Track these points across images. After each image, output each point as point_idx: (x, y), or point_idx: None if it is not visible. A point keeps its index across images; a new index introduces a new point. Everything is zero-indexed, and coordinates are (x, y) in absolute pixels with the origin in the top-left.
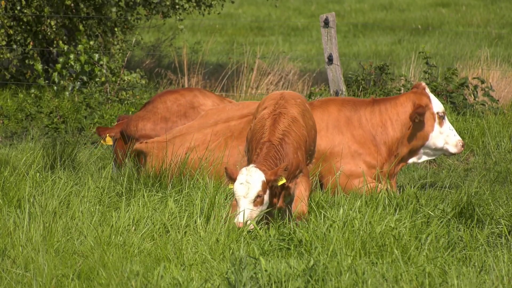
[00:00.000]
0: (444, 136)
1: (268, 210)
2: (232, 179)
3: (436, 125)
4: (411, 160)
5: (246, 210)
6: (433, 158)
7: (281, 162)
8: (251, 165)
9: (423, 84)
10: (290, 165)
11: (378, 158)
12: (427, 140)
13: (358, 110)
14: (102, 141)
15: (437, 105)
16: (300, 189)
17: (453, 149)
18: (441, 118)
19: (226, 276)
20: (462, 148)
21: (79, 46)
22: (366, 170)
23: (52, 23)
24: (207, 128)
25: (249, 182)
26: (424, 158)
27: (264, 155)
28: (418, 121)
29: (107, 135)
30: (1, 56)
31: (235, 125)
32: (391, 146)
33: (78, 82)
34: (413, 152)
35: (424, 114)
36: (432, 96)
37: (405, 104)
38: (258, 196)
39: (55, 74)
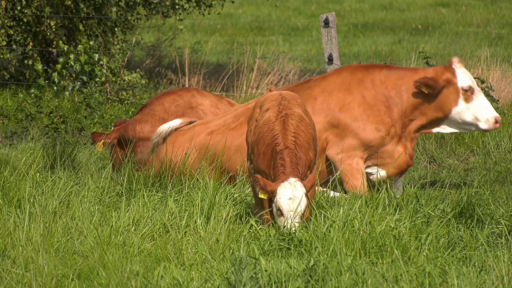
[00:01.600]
0: (473, 111)
1: None
2: (267, 191)
3: (461, 101)
4: (435, 130)
5: (295, 224)
6: (465, 131)
7: (299, 167)
8: (292, 179)
9: (454, 58)
10: (303, 166)
11: (387, 119)
12: (448, 113)
13: (372, 73)
14: (96, 147)
15: (463, 81)
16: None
17: (483, 125)
18: (468, 93)
19: (226, 276)
20: (496, 125)
21: (79, 46)
22: (372, 131)
23: (52, 23)
24: (228, 114)
25: (297, 196)
26: (451, 130)
27: (289, 164)
28: (426, 92)
29: (102, 141)
30: (1, 56)
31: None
32: (404, 110)
33: (78, 82)
34: (434, 122)
35: (431, 86)
36: (460, 71)
37: (428, 73)
38: (305, 209)
39: (55, 74)
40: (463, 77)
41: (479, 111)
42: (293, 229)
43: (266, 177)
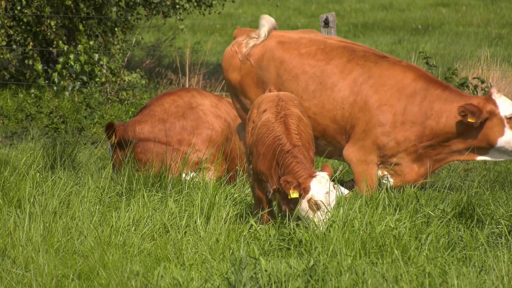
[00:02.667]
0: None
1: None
2: (302, 189)
3: (507, 129)
4: (480, 158)
5: (328, 216)
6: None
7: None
8: (322, 173)
9: (493, 89)
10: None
11: (413, 138)
12: (494, 144)
13: (429, 89)
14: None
15: (506, 109)
16: None
17: None
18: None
19: (226, 276)
20: None
21: (79, 46)
22: (391, 144)
23: (52, 23)
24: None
25: (331, 189)
26: (501, 157)
27: (304, 160)
28: (470, 120)
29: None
30: (1, 56)
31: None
32: (436, 134)
33: (78, 82)
34: (480, 152)
35: (474, 114)
36: (501, 100)
37: (473, 102)
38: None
39: (55, 74)
40: (506, 106)
41: None
42: (327, 221)
43: (266, 179)
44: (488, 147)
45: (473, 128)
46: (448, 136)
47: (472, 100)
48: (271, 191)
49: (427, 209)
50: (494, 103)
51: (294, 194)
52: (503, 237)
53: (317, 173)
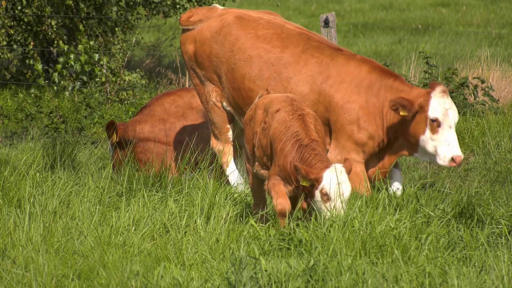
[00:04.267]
0: (435, 143)
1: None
2: (309, 179)
3: (428, 130)
4: (415, 154)
5: (344, 207)
6: (431, 161)
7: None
8: (336, 164)
9: (438, 88)
10: None
11: (379, 132)
12: (419, 140)
13: (383, 79)
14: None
15: (434, 111)
16: None
17: (439, 161)
18: (435, 124)
19: (226, 276)
20: (452, 163)
21: (79, 46)
22: (365, 139)
23: (53, 23)
24: None
25: (344, 180)
26: (424, 158)
27: (323, 153)
28: (402, 113)
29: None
30: (2, 56)
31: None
32: (393, 126)
33: (78, 82)
34: (411, 147)
35: (405, 107)
36: (434, 101)
37: (410, 95)
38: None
39: (55, 74)
40: (435, 108)
41: (441, 146)
42: (342, 212)
43: (285, 176)
44: (415, 143)
45: (404, 122)
46: (397, 128)
47: (413, 91)
48: (289, 189)
49: (427, 209)
50: (427, 100)
51: (303, 182)
52: (503, 237)
53: (333, 164)
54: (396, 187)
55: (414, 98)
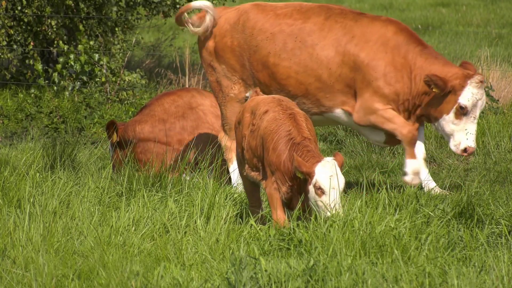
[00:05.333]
0: (455, 128)
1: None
2: (302, 172)
3: (452, 113)
4: (432, 124)
5: (339, 200)
6: (443, 136)
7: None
8: (328, 158)
9: (476, 76)
10: None
11: (406, 91)
12: (440, 117)
13: (409, 44)
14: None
15: (465, 99)
16: None
17: (451, 145)
18: (462, 112)
19: (226, 276)
20: (463, 153)
21: (79, 46)
22: (391, 95)
23: (53, 23)
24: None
25: (337, 173)
26: (437, 130)
27: (315, 149)
28: (435, 90)
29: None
30: (2, 56)
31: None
32: (418, 91)
33: (78, 82)
34: (431, 119)
35: (439, 87)
36: (469, 89)
37: (446, 73)
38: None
39: (55, 74)
40: (467, 95)
41: (459, 132)
42: (337, 206)
43: (278, 176)
44: (437, 118)
45: (434, 96)
46: (423, 97)
47: (448, 69)
48: (284, 189)
49: (427, 209)
50: (463, 86)
51: (298, 174)
52: (503, 237)
53: (324, 158)
54: (418, 147)
55: (449, 79)
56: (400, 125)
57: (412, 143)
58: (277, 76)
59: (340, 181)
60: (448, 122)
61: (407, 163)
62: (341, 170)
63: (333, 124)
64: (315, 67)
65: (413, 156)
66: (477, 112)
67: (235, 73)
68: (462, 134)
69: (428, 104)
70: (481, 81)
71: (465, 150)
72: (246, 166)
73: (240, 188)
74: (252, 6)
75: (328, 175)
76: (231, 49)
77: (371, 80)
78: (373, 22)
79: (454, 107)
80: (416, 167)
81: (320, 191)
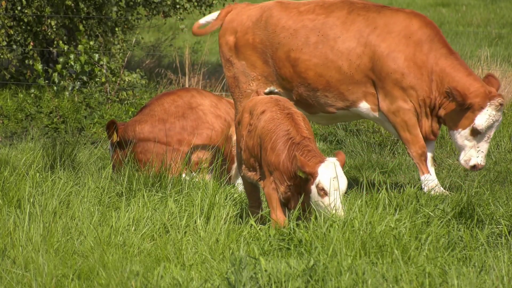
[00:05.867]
0: (467, 144)
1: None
2: (304, 172)
3: (468, 130)
4: (449, 132)
5: (340, 202)
6: (456, 148)
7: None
8: (331, 158)
9: (497, 99)
10: None
11: (425, 88)
12: (456, 130)
13: (434, 43)
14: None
15: (482, 121)
16: None
17: (461, 158)
18: (476, 131)
19: (226, 276)
20: (472, 169)
21: (79, 46)
22: (409, 90)
23: (53, 23)
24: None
25: (340, 175)
26: (453, 141)
27: (316, 149)
28: (450, 100)
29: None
30: (1, 56)
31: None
32: (439, 94)
33: (78, 82)
34: (449, 127)
35: (458, 101)
36: (487, 111)
37: (468, 86)
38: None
39: (55, 74)
40: (483, 118)
41: (470, 149)
42: (340, 207)
43: (277, 175)
44: (451, 127)
45: (454, 107)
46: (443, 100)
47: (470, 82)
48: (282, 189)
49: (427, 209)
50: (481, 107)
51: (300, 173)
52: (503, 237)
53: (327, 158)
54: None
55: (470, 95)
56: (412, 141)
57: (423, 159)
58: (297, 69)
59: (343, 182)
60: (462, 136)
61: (421, 180)
62: (342, 169)
63: (359, 119)
64: (335, 58)
65: (425, 171)
66: (492, 132)
67: (254, 69)
68: (474, 151)
69: (448, 111)
70: (501, 104)
71: (474, 166)
72: (243, 166)
73: (240, 188)
74: (275, 4)
75: (331, 176)
76: (253, 46)
77: (389, 72)
78: (397, 14)
79: (471, 125)
80: (431, 183)
81: (323, 192)
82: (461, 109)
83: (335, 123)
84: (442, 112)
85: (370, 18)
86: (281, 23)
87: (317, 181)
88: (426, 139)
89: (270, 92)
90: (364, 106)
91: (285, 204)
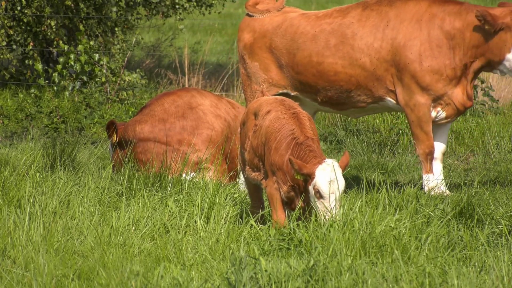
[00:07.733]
0: None
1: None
2: (302, 174)
3: None
4: (494, 71)
5: (338, 205)
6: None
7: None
8: (329, 160)
9: None
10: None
11: (446, 62)
12: (503, 58)
13: (445, 8)
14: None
15: None
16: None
17: None
18: None
19: (226, 276)
20: None
21: (79, 46)
22: (428, 78)
23: (52, 23)
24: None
25: (337, 178)
26: (502, 73)
27: (318, 149)
28: (482, 24)
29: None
30: (1, 56)
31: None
32: (466, 51)
33: (78, 82)
34: (493, 65)
35: (489, 22)
36: None
37: (490, 11)
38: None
39: (55, 74)
40: None
41: None
42: (335, 211)
43: (280, 175)
44: (497, 61)
45: (490, 38)
46: (474, 50)
47: (492, 10)
48: (285, 189)
49: (427, 209)
50: None
51: (298, 176)
52: (503, 237)
53: (326, 160)
54: (439, 147)
55: (500, 15)
56: (422, 139)
57: (428, 159)
58: (324, 74)
59: (340, 184)
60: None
61: (423, 178)
62: (345, 170)
63: (389, 111)
64: (358, 56)
65: (429, 170)
66: None
67: (267, 72)
68: None
69: (484, 52)
70: None
71: None
72: (247, 167)
73: (242, 187)
74: (298, 15)
75: (327, 179)
76: (269, 50)
77: (407, 62)
78: (407, 3)
79: None
80: (432, 183)
81: (318, 194)
82: (496, 38)
83: (365, 115)
84: (479, 62)
85: (383, 12)
86: (300, 29)
87: (313, 182)
88: (464, 106)
89: (283, 95)
90: (390, 100)
91: (288, 205)
